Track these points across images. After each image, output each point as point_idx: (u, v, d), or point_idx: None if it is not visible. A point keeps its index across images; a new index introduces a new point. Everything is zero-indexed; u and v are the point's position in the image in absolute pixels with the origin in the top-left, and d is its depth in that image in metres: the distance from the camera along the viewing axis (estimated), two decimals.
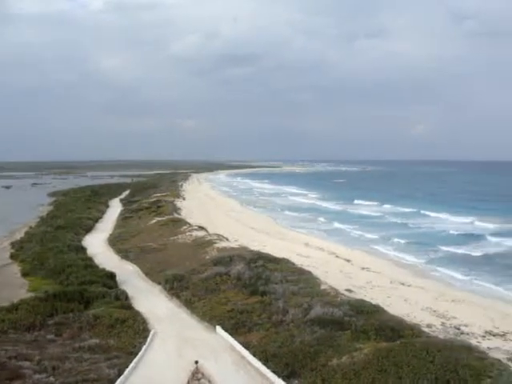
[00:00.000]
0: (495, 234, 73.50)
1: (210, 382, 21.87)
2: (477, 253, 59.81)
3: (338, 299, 33.03)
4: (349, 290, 39.73)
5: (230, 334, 27.60)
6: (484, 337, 31.62)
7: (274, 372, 22.26)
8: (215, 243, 53.91)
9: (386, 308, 32.40)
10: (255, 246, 54.80)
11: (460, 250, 61.33)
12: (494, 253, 60.10)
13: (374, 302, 34.01)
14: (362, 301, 33.37)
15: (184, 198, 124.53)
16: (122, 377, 21.74)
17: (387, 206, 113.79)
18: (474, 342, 29.50)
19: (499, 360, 23.91)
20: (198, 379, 21.97)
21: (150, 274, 43.78)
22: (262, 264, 42.15)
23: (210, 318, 30.83)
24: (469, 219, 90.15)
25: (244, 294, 34.83)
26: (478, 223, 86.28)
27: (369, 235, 74.08)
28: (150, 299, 36.30)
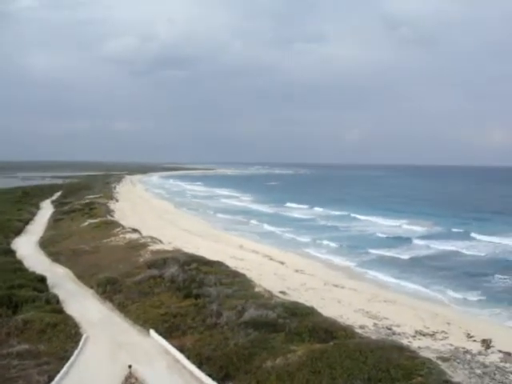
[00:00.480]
0: (422, 237, 75.41)
1: None
2: (405, 255, 61.20)
3: (272, 301, 33.17)
4: (283, 292, 39.98)
5: (163, 337, 27.31)
6: (415, 336, 32.37)
7: (208, 375, 22.19)
8: (149, 246, 53.32)
9: (319, 310, 32.70)
10: (189, 249, 54.45)
11: (390, 253, 62.66)
12: (423, 255, 61.74)
13: (307, 303, 34.29)
14: (296, 303, 33.64)
15: (117, 200, 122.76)
16: (52, 383, 21.21)
17: (319, 209, 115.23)
18: (405, 341, 30.17)
19: (429, 359, 24.58)
20: None
21: (83, 277, 42.83)
22: (196, 267, 41.92)
23: (144, 321, 30.40)
24: (397, 222, 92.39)
25: (178, 297, 34.51)
26: (406, 226, 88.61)
27: (301, 238, 74.79)
28: (82, 303, 35.49)
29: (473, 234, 75.76)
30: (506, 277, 49.27)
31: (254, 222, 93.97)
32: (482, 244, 69.12)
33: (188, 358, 24.20)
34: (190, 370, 23.22)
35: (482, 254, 61.60)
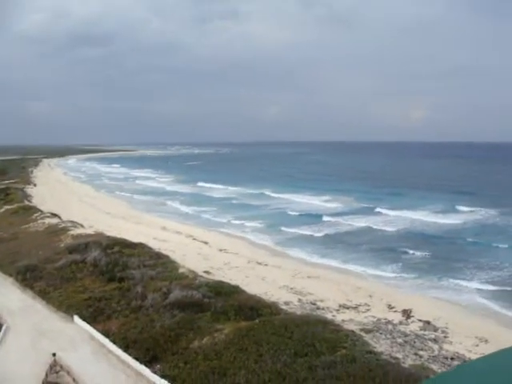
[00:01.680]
0: (340, 213, 76.20)
1: (69, 373, 21.33)
2: (323, 232, 62.01)
3: (197, 281, 33.33)
4: (207, 272, 40.12)
5: (88, 322, 26.98)
6: (338, 310, 33.24)
7: (135, 358, 22.14)
8: (70, 230, 52.28)
9: (244, 288, 33.14)
10: (111, 232, 53.68)
11: (308, 230, 63.09)
12: (342, 231, 62.75)
13: (232, 282, 34.68)
14: (221, 282, 33.94)
15: (35, 185, 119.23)
16: None
17: (236, 188, 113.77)
18: (329, 315, 31.01)
19: (353, 331, 25.43)
20: (57, 372, 21.36)
21: (1, 265, 41.54)
22: (119, 250, 41.56)
23: (67, 307, 29.88)
24: (314, 199, 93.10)
25: (101, 281, 34.15)
26: (324, 204, 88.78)
27: (222, 217, 74.72)
28: (1, 292, 34.51)
29: (386, 210, 77.11)
30: (418, 250, 50.87)
31: (174, 202, 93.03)
32: (398, 219, 70.76)
33: (114, 342, 24.04)
34: (117, 355, 23.09)
35: (394, 229, 62.97)
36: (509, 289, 38.81)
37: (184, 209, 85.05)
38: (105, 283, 33.53)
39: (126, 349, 23.19)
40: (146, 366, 21.55)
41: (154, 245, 47.61)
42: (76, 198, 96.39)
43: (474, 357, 25.38)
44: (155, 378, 20.50)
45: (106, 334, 24.98)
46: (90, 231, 53.22)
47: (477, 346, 27.48)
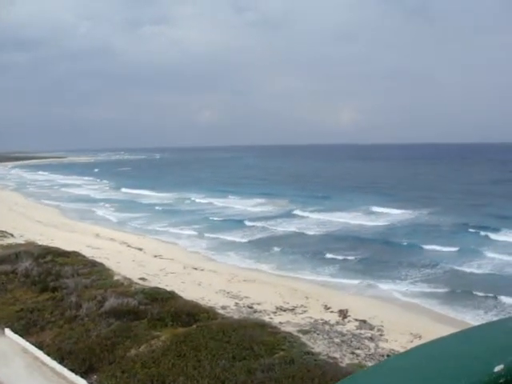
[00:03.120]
0: (268, 217, 75.84)
1: None
2: (255, 236, 62.21)
3: (132, 289, 32.94)
4: (143, 279, 39.69)
5: (20, 335, 26.22)
6: (275, 313, 33.47)
7: (71, 370, 21.68)
8: None
9: (180, 293, 32.97)
10: (43, 241, 52.42)
11: (240, 235, 63.04)
12: (275, 236, 62.76)
13: (168, 288, 34.41)
14: (157, 288, 33.64)
15: None
16: None
17: (167, 194, 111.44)
18: (266, 318, 31.20)
19: (290, 333, 25.70)
20: None
21: None
22: (52, 259, 40.57)
23: None
24: (241, 203, 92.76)
25: (34, 291, 33.20)
26: (249, 207, 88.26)
27: (154, 223, 74.03)
28: None
29: (316, 214, 77.19)
30: (351, 252, 51.72)
31: (104, 209, 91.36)
32: (328, 222, 70.92)
33: (48, 354, 23.45)
34: (51, 367, 22.54)
35: (324, 232, 63.44)
36: (440, 286, 40.10)
37: (114, 216, 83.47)
38: (37, 294, 32.62)
39: (61, 360, 22.66)
40: (83, 376, 21.13)
41: (88, 253, 46.70)
42: (4, 207, 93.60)
43: None
44: None
45: (40, 347, 24.32)
46: (20, 241, 51.82)
47: (411, 342, 28.21)
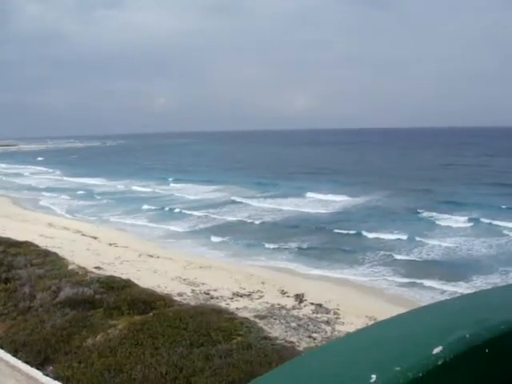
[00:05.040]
0: (214, 205, 75.46)
1: None
2: (209, 223, 62.31)
3: (88, 278, 32.58)
4: (98, 268, 39.24)
5: None
6: (232, 298, 33.52)
7: (25, 362, 21.35)
8: None
9: (136, 281, 32.71)
10: None
11: (192, 222, 63.36)
12: (223, 223, 62.43)
13: (124, 276, 34.12)
14: (112, 277, 33.33)
15: None
16: None
17: (114, 182, 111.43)
18: (223, 304, 31.20)
19: (247, 318, 25.83)
20: None
21: None
22: (3, 249, 39.71)
23: None
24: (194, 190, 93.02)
25: None
26: (202, 195, 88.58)
27: (105, 211, 73.77)
28: None
29: (259, 203, 76.13)
30: (305, 238, 52.37)
31: (57, 198, 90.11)
32: (277, 209, 70.65)
33: (1, 346, 23.04)
34: (5, 360, 22.13)
35: (278, 219, 63.73)
36: (393, 267, 40.97)
37: (66, 204, 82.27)
38: None
39: (14, 353, 22.28)
40: (38, 368, 20.84)
41: (41, 242, 45.95)
42: None
43: None
44: (48, 380, 19.87)
45: None
46: None
47: (367, 324, 28.66)
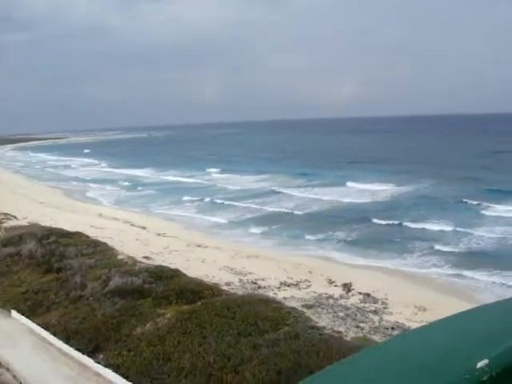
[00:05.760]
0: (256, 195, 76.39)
1: (8, 370, 20.85)
2: (253, 214, 62.52)
3: (137, 267, 33.03)
4: (147, 257, 39.78)
5: (26, 316, 26.37)
6: (279, 288, 33.57)
7: (77, 349, 21.81)
8: (2, 223, 50.87)
9: (184, 271, 33.03)
10: (46, 222, 52.49)
11: (240, 212, 63.89)
12: (263, 215, 62.38)
13: (172, 266, 34.45)
14: (161, 266, 33.71)
15: None
16: None
17: (164, 173, 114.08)
18: (270, 294, 31.33)
19: (295, 308, 25.80)
20: None
21: None
22: (55, 240, 40.67)
23: (4, 302, 29.02)
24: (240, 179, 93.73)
25: (38, 272, 33.36)
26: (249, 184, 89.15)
27: (154, 202, 74.91)
28: None
29: (304, 194, 76.14)
30: (353, 227, 52.28)
31: (107, 189, 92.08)
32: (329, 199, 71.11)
33: (54, 334, 23.59)
34: (58, 347, 22.67)
35: (325, 209, 63.62)
36: (441, 258, 40.31)
37: (115, 195, 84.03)
38: (42, 275, 32.77)
39: (67, 340, 22.78)
40: (89, 356, 21.26)
41: (91, 233, 46.81)
42: (8, 189, 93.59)
43: (413, 325, 26.18)
44: (99, 367, 20.26)
45: (46, 327, 24.46)
46: (23, 222, 51.94)
47: (416, 314, 28.37)
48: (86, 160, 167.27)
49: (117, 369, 20.04)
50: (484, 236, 46.29)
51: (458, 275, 36.41)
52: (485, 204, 59.14)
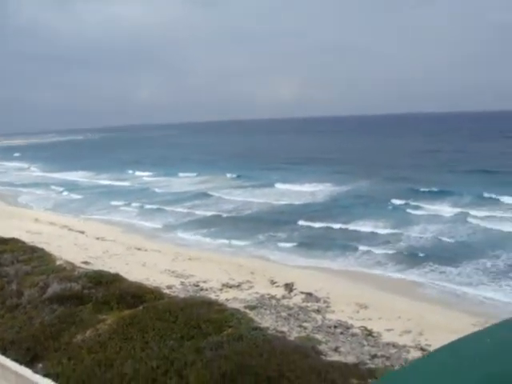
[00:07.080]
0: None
1: None
2: (193, 217, 61.99)
3: (76, 273, 32.34)
4: (86, 262, 39.02)
5: None
6: (221, 290, 33.44)
7: (15, 360, 21.13)
8: None
9: (125, 275, 32.53)
10: None
11: (178, 215, 63.39)
12: (200, 218, 61.45)
13: (112, 270, 33.91)
14: (101, 271, 33.12)
15: None
16: None
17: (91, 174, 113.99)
18: (213, 296, 31.17)
19: (237, 309, 25.76)
20: None
21: None
22: None
23: None
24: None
25: None
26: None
27: (90, 205, 73.67)
28: None
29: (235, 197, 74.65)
30: (293, 227, 52.66)
31: (42, 193, 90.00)
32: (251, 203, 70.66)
33: None
34: None
35: (263, 209, 64.13)
36: (390, 252, 41.21)
37: (48, 200, 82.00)
38: None
39: (4, 351, 22.04)
40: (27, 366, 20.63)
41: (28, 238, 45.64)
42: None
43: (355, 323, 26.57)
44: (37, 377, 19.66)
45: None
46: None
47: (357, 312, 28.71)
48: (16, 164, 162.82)
49: (57, 378, 19.50)
50: (421, 236, 47.36)
51: (400, 272, 37.18)
52: (414, 203, 60.44)
